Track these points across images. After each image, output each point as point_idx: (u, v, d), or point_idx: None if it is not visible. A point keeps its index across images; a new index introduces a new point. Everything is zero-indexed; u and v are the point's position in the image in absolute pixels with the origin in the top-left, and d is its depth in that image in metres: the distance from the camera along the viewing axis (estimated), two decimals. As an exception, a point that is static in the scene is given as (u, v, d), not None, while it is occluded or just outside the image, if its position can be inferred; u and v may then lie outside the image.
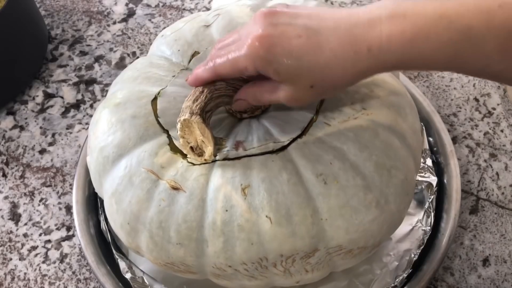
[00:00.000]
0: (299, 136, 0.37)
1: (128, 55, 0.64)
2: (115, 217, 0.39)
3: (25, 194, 0.55)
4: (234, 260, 0.36)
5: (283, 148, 0.36)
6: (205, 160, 0.36)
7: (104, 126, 0.40)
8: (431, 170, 0.51)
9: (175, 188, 0.36)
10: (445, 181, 0.50)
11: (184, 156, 0.37)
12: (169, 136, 0.38)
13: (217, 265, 0.37)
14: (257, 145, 0.37)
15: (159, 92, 0.40)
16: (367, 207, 0.36)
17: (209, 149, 0.35)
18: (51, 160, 0.57)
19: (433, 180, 0.50)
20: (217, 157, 0.37)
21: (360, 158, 0.36)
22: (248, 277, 0.37)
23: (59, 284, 0.50)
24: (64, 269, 0.51)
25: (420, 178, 0.51)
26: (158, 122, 0.39)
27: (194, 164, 0.36)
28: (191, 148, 0.36)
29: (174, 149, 0.38)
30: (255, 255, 0.36)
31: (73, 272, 0.50)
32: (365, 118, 0.37)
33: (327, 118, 0.37)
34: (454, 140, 0.55)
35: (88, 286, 0.50)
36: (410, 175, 0.38)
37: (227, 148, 0.37)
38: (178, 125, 0.35)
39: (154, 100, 0.40)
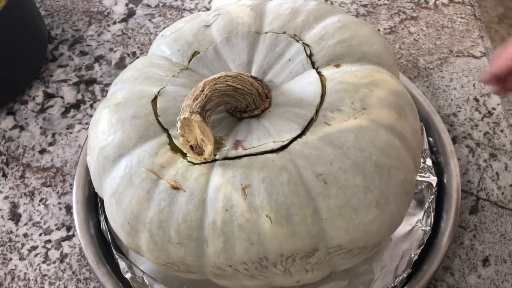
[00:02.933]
0: (299, 136, 0.37)
1: (128, 55, 0.64)
2: (115, 217, 0.39)
3: (25, 194, 0.55)
4: (234, 260, 0.36)
5: (283, 147, 0.36)
6: (204, 159, 0.36)
7: (104, 126, 0.40)
8: (431, 170, 0.51)
9: (175, 188, 0.36)
10: (445, 181, 0.50)
11: (184, 155, 0.37)
12: (169, 136, 0.38)
13: (217, 265, 0.37)
14: (256, 144, 0.37)
15: (159, 91, 0.41)
16: (367, 207, 0.36)
17: (208, 148, 0.35)
18: (51, 160, 0.57)
19: (433, 180, 0.50)
20: (217, 156, 0.37)
21: (360, 158, 0.36)
22: (248, 277, 0.38)
23: (59, 284, 0.50)
24: (64, 269, 0.51)
25: (420, 178, 0.51)
26: (158, 122, 0.39)
27: (194, 164, 0.37)
28: (191, 146, 0.36)
29: (174, 148, 0.38)
30: (255, 255, 0.36)
31: (73, 272, 0.50)
32: (365, 118, 0.37)
33: (327, 118, 0.37)
34: (454, 140, 0.55)
35: (88, 286, 0.50)
36: (410, 175, 0.38)
37: (226, 148, 0.37)
38: (178, 124, 0.35)
39: (154, 100, 0.40)
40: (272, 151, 0.36)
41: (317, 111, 0.38)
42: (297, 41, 0.41)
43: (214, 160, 0.37)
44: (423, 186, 0.50)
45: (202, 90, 0.36)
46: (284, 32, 0.42)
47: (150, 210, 0.37)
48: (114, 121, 0.40)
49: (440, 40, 0.63)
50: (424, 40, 0.63)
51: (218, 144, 0.37)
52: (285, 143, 0.36)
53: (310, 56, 0.41)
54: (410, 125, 0.40)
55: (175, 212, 0.36)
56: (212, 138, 0.35)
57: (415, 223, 0.49)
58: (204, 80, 0.37)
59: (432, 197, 0.49)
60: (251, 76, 0.40)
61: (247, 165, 0.36)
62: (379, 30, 0.64)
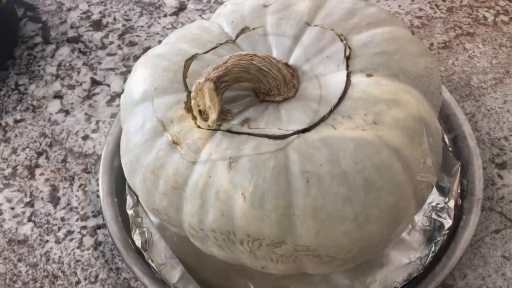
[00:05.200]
0: (304, 131, 0.37)
1: (177, 49, 0.64)
2: (123, 153, 0.43)
3: (65, 178, 0.56)
4: (205, 224, 0.39)
5: (284, 136, 0.37)
6: (208, 125, 0.39)
7: (139, 71, 0.43)
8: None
9: (175, 143, 0.39)
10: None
11: (195, 118, 0.40)
12: (188, 96, 0.41)
13: (191, 225, 0.40)
14: (262, 127, 0.38)
15: (196, 56, 0.43)
16: (342, 218, 0.36)
17: (212, 116, 0.38)
18: (93, 147, 0.58)
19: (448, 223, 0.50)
20: (221, 127, 0.39)
21: (352, 169, 0.36)
22: (216, 246, 0.40)
23: (91, 271, 0.51)
24: (97, 257, 0.51)
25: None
26: (184, 81, 0.42)
27: (199, 127, 0.39)
28: (200, 111, 0.39)
29: (189, 109, 0.40)
30: (223, 226, 0.38)
31: (106, 261, 0.51)
32: (373, 132, 0.37)
33: (336, 122, 0.38)
34: (504, 165, 0.53)
35: (119, 276, 0.50)
36: (403, 203, 0.38)
37: (233, 122, 0.39)
38: (193, 87, 0.38)
39: (188, 60, 0.43)
40: (271, 137, 0.38)
41: (331, 111, 0.38)
42: (341, 40, 0.41)
43: (217, 130, 0.39)
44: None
45: (225, 62, 0.38)
46: (332, 30, 0.43)
47: (149, 156, 0.40)
48: (148, 69, 0.43)
49: (497, 59, 0.61)
50: (479, 58, 0.61)
51: (223, 116, 0.39)
52: (288, 133, 0.37)
53: (347, 58, 0.41)
54: (421, 155, 0.38)
55: (168, 164, 0.39)
56: (218, 107, 0.38)
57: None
58: (233, 53, 0.39)
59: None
60: (284, 63, 0.40)
61: (243, 142, 0.38)
62: (432, 44, 0.62)
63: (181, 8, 0.69)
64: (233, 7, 0.46)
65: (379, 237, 0.38)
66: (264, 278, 0.47)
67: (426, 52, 0.42)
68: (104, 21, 0.69)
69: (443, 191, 0.51)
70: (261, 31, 0.44)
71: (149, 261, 0.48)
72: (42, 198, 0.56)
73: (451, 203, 0.50)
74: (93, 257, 0.52)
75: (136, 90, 0.43)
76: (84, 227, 0.54)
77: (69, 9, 0.71)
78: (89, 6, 0.71)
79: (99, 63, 0.65)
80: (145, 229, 0.50)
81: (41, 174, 0.57)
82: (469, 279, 0.48)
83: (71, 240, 0.53)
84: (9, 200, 0.55)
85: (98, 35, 0.67)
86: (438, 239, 0.48)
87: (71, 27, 0.69)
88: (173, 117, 0.40)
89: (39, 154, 0.58)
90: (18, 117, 0.61)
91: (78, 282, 0.51)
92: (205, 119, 0.39)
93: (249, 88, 0.42)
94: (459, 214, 0.50)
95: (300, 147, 0.37)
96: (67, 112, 0.61)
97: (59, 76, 0.64)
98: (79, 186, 0.56)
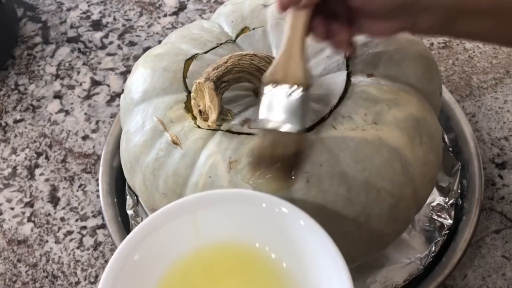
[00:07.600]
0: (303, 131, 0.37)
1: (176, 49, 0.64)
2: (123, 153, 0.43)
3: (65, 178, 0.56)
4: None
5: None
6: (208, 125, 0.39)
7: (139, 71, 0.44)
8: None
9: (175, 143, 0.39)
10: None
11: (195, 118, 0.40)
12: (188, 96, 0.41)
13: None
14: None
15: (196, 55, 0.43)
16: (342, 218, 0.36)
17: (213, 116, 0.38)
18: (93, 147, 0.58)
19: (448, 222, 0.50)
20: (221, 127, 0.39)
21: (352, 169, 0.36)
22: None
23: (91, 271, 0.51)
24: (97, 257, 0.52)
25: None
26: (184, 81, 0.42)
27: (199, 127, 0.39)
28: (200, 111, 0.39)
29: (188, 108, 0.41)
30: None
31: (106, 261, 0.52)
32: (373, 133, 0.37)
33: (336, 122, 0.38)
34: (504, 165, 0.53)
35: (119, 276, 0.50)
36: (403, 204, 0.38)
37: (233, 122, 0.40)
38: (193, 87, 0.39)
39: (188, 60, 0.43)
40: None
41: (331, 111, 0.39)
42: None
43: (217, 130, 0.39)
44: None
45: (226, 62, 0.39)
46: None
47: (149, 156, 0.41)
48: (148, 69, 0.43)
49: (497, 59, 0.61)
50: (480, 57, 0.61)
51: (223, 116, 0.40)
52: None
53: (348, 58, 0.42)
54: (421, 155, 0.39)
55: (168, 164, 0.40)
56: (218, 108, 0.38)
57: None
58: (233, 53, 0.40)
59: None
60: None
61: (243, 142, 0.38)
62: (432, 43, 0.63)
63: (181, 8, 0.70)
64: (233, 7, 0.47)
65: (379, 237, 0.39)
66: (265, 278, 0.47)
67: (426, 52, 0.43)
68: (104, 21, 0.69)
69: (443, 191, 0.51)
70: (261, 31, 0.44)
71: (149, 261, 0.48)
72: (42, 198, 0.56)
73: (451, 203, 0.51)
74: (93, 257, 0.52)
75: (136, 90, 0.43)
76: (84, 227, 0.54)
77: (69, 9, 0.71)
78: (89, 6, 0.71)
79: (99, 63, 0.65)
80: None
81: (41, 174, 0.58)
82: (469, 279, 0.48)
83: (71, 240, 0.53)
84: (9, 200, 0.56)
85: (98, 35, 0.68)
86: (438, 239, 0.49)
87: (71, 27, 0.69)
88: (172, 116, 0.40)
89: (39, 154, 0.59)
90: (18, 117, 0.61)
91: (78, 283, 0.51)
92: (205, 119, 0.39)
93: (249, 88, 0.43)
94: (459, 214, 0.50)
95: (300, 147, 0.38)
96: (67, 112, 0.62)
97: (59, 76, 0.65)
98: (79, 186, 0.57)
